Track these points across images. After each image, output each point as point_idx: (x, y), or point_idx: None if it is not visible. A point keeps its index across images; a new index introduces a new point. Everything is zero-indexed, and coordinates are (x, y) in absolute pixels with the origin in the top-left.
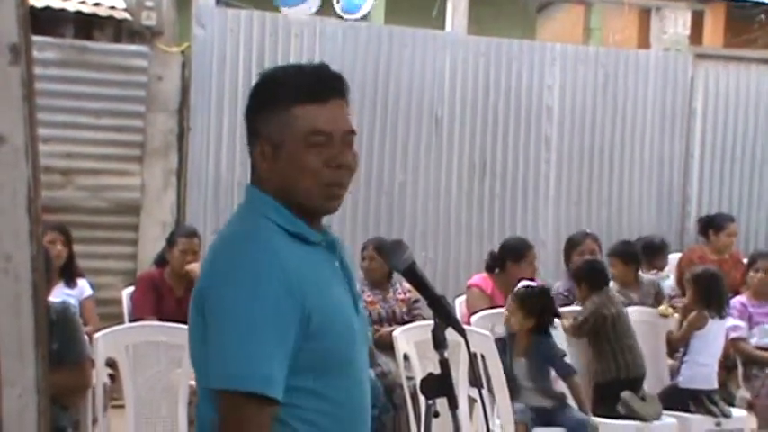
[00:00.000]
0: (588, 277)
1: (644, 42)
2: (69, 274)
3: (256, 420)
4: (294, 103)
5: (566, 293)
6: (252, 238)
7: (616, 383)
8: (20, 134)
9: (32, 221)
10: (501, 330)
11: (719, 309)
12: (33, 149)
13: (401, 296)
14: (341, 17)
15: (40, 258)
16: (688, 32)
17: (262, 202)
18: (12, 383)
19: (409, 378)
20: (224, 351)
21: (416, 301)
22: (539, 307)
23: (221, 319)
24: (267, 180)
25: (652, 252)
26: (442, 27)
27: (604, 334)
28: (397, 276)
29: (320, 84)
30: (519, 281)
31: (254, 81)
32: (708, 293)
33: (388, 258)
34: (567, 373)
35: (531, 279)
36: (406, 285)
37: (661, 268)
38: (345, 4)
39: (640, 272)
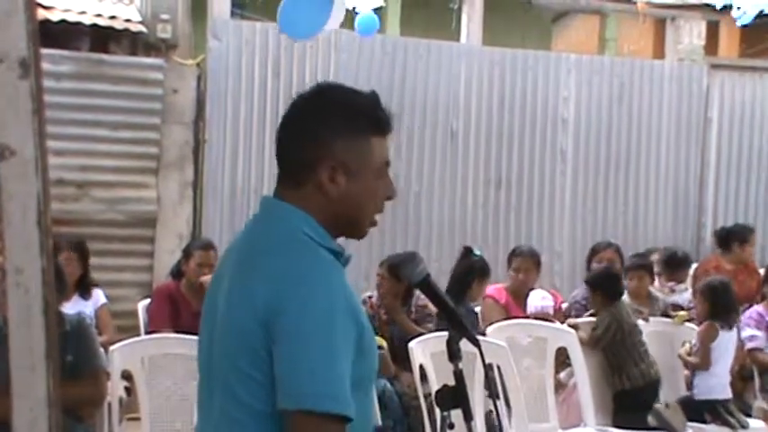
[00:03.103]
0: (604, 286)
1: (659, 52)
2: (84, 287)
3: None
4: (373, 133)
5: (583, 302)
6: (316, 261)
7: (638, 391)
8: (30, 147)
9: (43, 234)
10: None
11: (729, 319)
12: (43, 162)
13: (412, 314)
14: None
15: (51, 271)
16: (703, 42)
17: (298, 218)
18: (23, 396)
19: (426, 395)
20: (309, 374)
21: (431, 314)
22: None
23: (303, 344)
24: (318, 200)
25: (674, 265)
26: (457, 38)
27: (622, 344)
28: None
29: (388, 116)
30: (531, 289)
31: (271, 92)
32: (716, 305)
33: (401, 271)
34: None
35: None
36: (420, 302)
37: (681, 281)
38: (361, 26)
39: (657, 284)
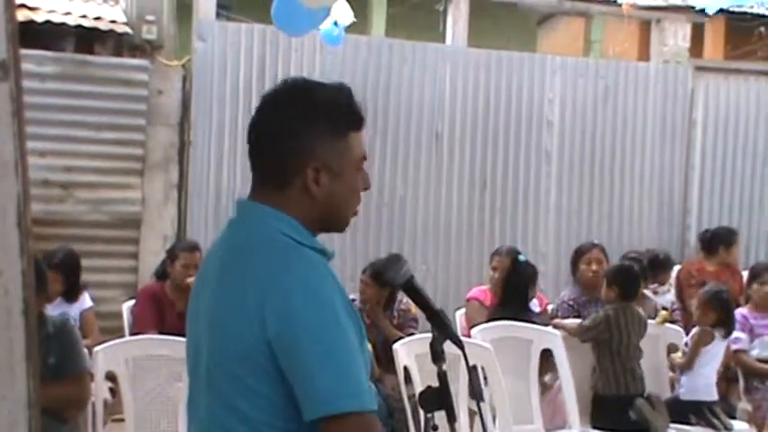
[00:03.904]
0: (621, 283)
1: (644, 55)
2: (71, 292)
3: (379, 430)
4: (350, 130)
5: (570, 303)
6: (303, 262)
7: (616, 398)
8: (9, 149)
9: (23, 236)
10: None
11: (729, 328)
12: (23, 164)
13: (395, 319)
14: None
15: (31, 273)
16: (688, 45)
17: (277, 219)
18: (2, 398)
19: (410, 397)
20: (331, 377)
21: (413, 319)
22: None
23: (315, 348)
24: (301, 201)
25: (656, 267)
26: (443, 40)
27: (608, 347)
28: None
29: (361, 110)
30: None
31: (257, 93)
32: (719, 315)
33: (386, 273)
34: None
35: None
36: (403, 307)
37: (663, 283)
38: (325, 36)
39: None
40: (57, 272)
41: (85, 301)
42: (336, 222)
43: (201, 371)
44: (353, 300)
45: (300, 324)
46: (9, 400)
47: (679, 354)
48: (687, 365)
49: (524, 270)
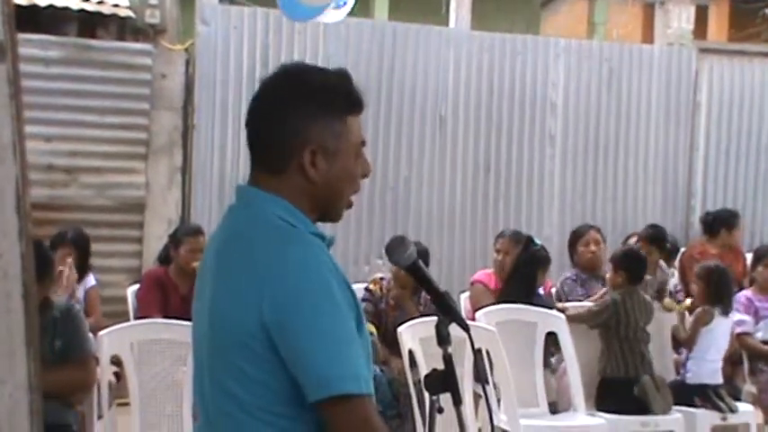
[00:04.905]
0: (628, 267)
1: (648, 37)
2: (81, 273)
3: (376, 413)
4: (349, 113)
5: (573, 278)
6: (301, 246)
7: (623, 382)
8: (7, 132)
9: (21, 219)
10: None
11: (727, 305)
12: (21, 147)
13: (421, 307)
14: None
15: (30, 256)
16: (692, 27)
17: (275, 204)
18: (3, 381)
19: (416, 383)
20: (328, 360)
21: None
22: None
23: (313, 333)
24: (298, 185)
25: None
26: (446, 23)
27: (615, 333)
28: None
29: (360, 94)
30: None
31: (260, 77)
32: (716, 290)
33: (391, 256)
34: None
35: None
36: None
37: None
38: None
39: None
40: (70, 247)
41: (90, 279)
42: (330, 209)
43: (204, 357)
44: (382, 278)
45: (297, 309)
46: (10, 384)
47: (668, 300)
48: (686, 343)
49: (537, 252)
